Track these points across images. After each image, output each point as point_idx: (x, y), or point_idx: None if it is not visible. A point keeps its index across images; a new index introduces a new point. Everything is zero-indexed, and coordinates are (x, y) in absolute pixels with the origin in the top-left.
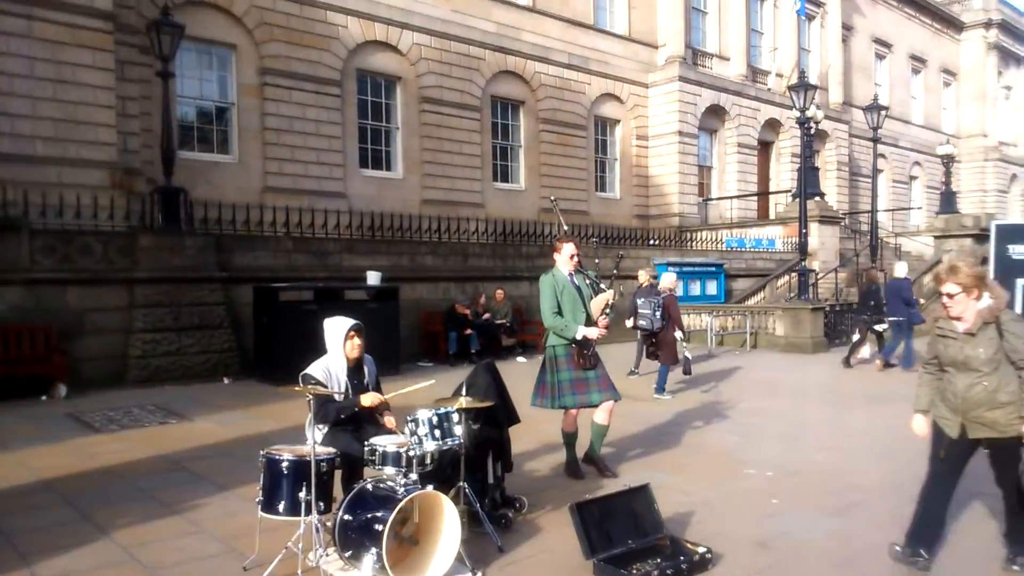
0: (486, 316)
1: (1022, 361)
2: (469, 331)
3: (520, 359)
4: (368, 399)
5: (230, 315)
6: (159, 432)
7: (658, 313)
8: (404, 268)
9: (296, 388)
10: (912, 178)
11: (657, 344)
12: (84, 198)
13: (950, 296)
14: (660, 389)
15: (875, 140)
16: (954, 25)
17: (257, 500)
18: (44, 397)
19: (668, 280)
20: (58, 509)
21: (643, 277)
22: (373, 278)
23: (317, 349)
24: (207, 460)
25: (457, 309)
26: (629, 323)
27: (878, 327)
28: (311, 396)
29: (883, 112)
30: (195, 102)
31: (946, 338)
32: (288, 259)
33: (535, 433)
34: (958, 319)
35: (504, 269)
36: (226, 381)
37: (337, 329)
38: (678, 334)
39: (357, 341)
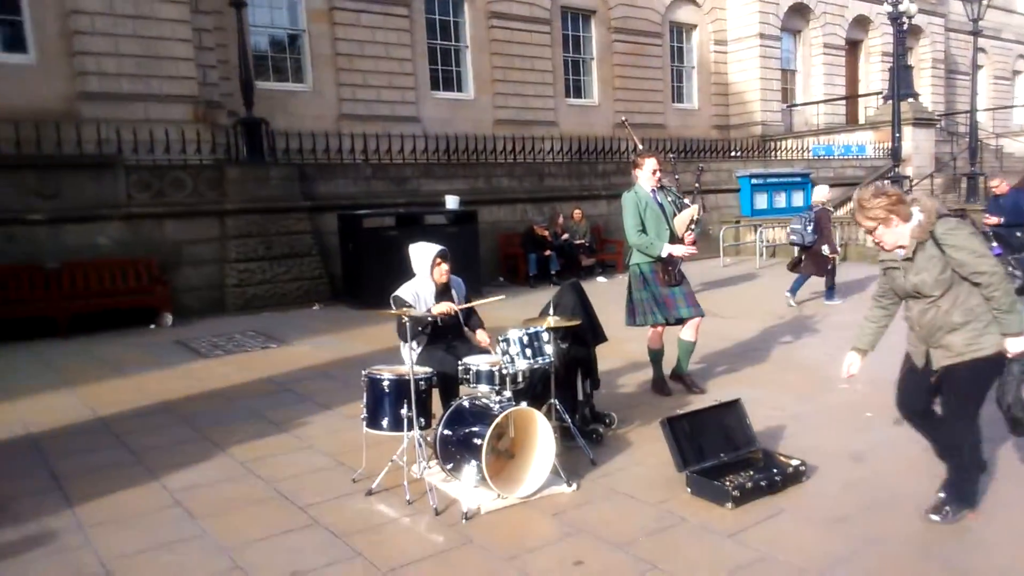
0: (564, 236)
1: (973, 275)
2: (548, 252)
3: (600, 279)
4: (439, 308)
5: (317, 243)
6: (261, 356)
7: (809, 227)
8: (481, 191)
9: (384, 312)
10: (1016, 73)
11: (806, 258)
12: (171, 133)
13: (871, 233)
14: (792, 291)
15: (975, 33)
16: None
17: (362, 417)
18: (152, 326)
19: (820, 193)
20: (178, 428)
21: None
22: (452, 202)
23: (401, 273)
24: (308, 381)
25: (535, 230)
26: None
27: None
28: (407, 318)
29: (985, 2)
30: (267, 31)
31: (893, 269)
32: (368, 186)
33: (621, 351)
34: (896, 248)
35: (580, 188)
36: (316, 307)
37: (424, 255)
38: (825, 249)
39: (444, 267)
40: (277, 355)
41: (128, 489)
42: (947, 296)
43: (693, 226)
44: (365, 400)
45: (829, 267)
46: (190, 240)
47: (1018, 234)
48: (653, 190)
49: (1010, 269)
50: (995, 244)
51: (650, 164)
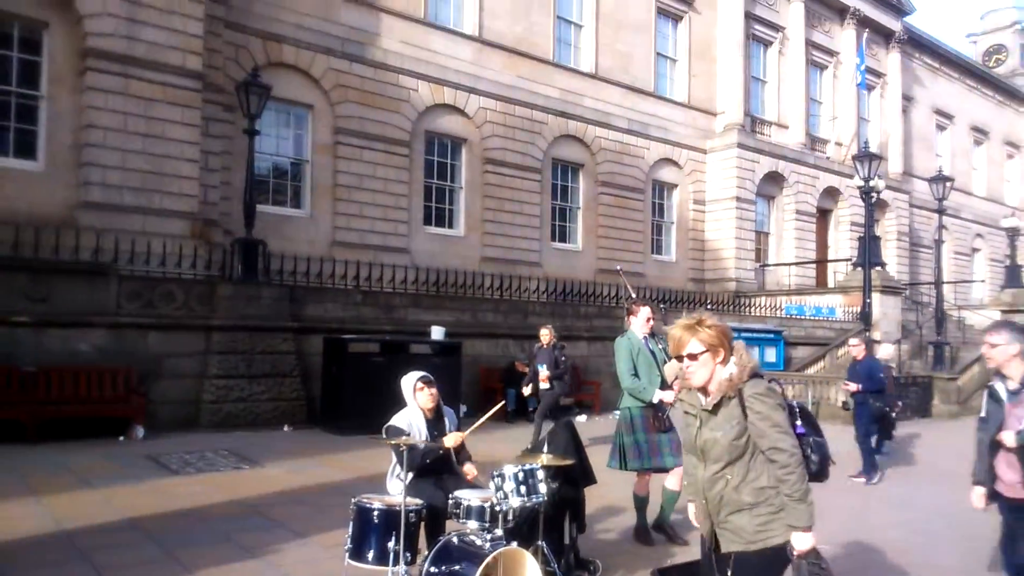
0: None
1: (771, 451)
2: (527, 389)
3: (579, 418)
4: (451, 440)
5: (300, 364)
6: (233, 477)
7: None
8: (466, 324)
9: (386, 441)
10: (974, 250)
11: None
12: (168, 246)
13: (692, 357)
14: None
15: (940, 212)
16: (1017, 97)
17: (345, 548)
18: (122, 438)
19: (885, 352)
20: (145, 547)
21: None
22: (437, 333)
23: (384, 400)
24: (281, 506)
25: (517, 366)
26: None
27: None
28: (403, 447)
29: (948, 184)
30: (272, 158)
31: (688, 415)
32: (356, 311)
33: (603, 495)
34: (703, 390)
35: (562, 328)
36: (286, 429)
37: (408, 382)
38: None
39: (427, 391)
40: (249, 476)
41: None
42: (737, 468)
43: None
44: (351, 529)
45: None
46: (172, 353)
47: (873, 401)
48: (645, 337)
49: (808, 452)
50: (798, 423)
51: (644, 312)
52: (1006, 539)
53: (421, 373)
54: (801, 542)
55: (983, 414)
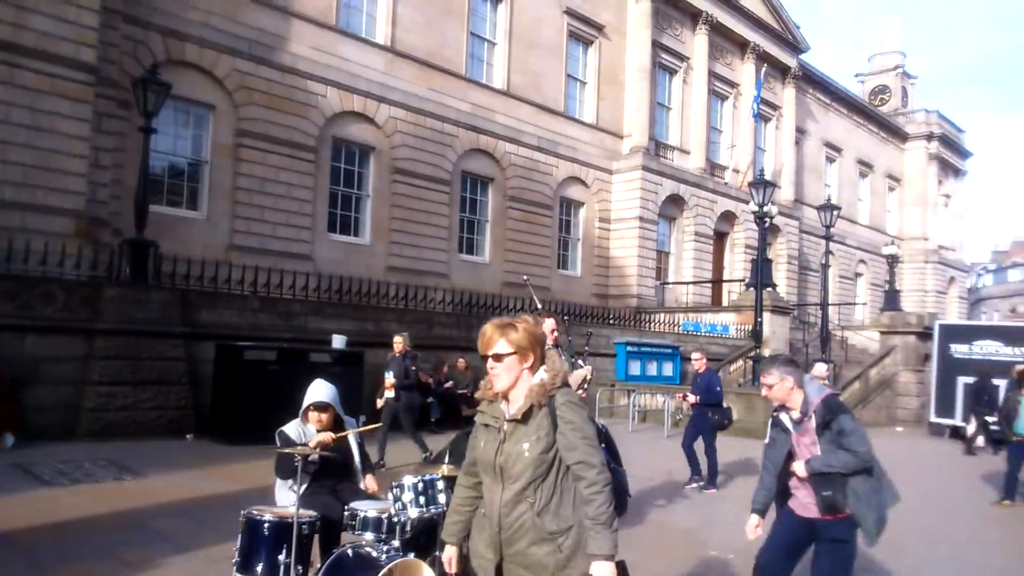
0: (448, 385)
1: (579, 465)
2: (430, 399)
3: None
4: (316, 438)
5: (189, 372)
6: (114, 488)
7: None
8: (369, 333)
9: (277, 449)
10: (857, 275)
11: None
12: (48, 245)
13: (497, 359)
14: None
15: (827, 238)
16: (899, 135)
17: (233, 561)
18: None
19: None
20: (15, 563)
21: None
22: (339, 342)
23: (279, 409)
24: (166, 519)
25: (420, 377)
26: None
27: (989, 419)
28: (299, 457)
29: (836, 212)
30: (167, 157)
31: (487, 427)
32: (253, 318)
33: None
34: (505, 397)
35: (468, 339)
36: (188, 438)
37: (306, 397)
38: None
39: (315, 415)
40: (131, 488)
41: None
42: (543, 489)
43: (585, 385)
44: (239, 542)
45: None
46: (50, 357)
47: (712, 414)
48: (548, 348)
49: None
50: (601, 445)
51: (549, 324)
52: (788, 550)
53: (318, 400)
54: (601, 572)
55: (768, 441)
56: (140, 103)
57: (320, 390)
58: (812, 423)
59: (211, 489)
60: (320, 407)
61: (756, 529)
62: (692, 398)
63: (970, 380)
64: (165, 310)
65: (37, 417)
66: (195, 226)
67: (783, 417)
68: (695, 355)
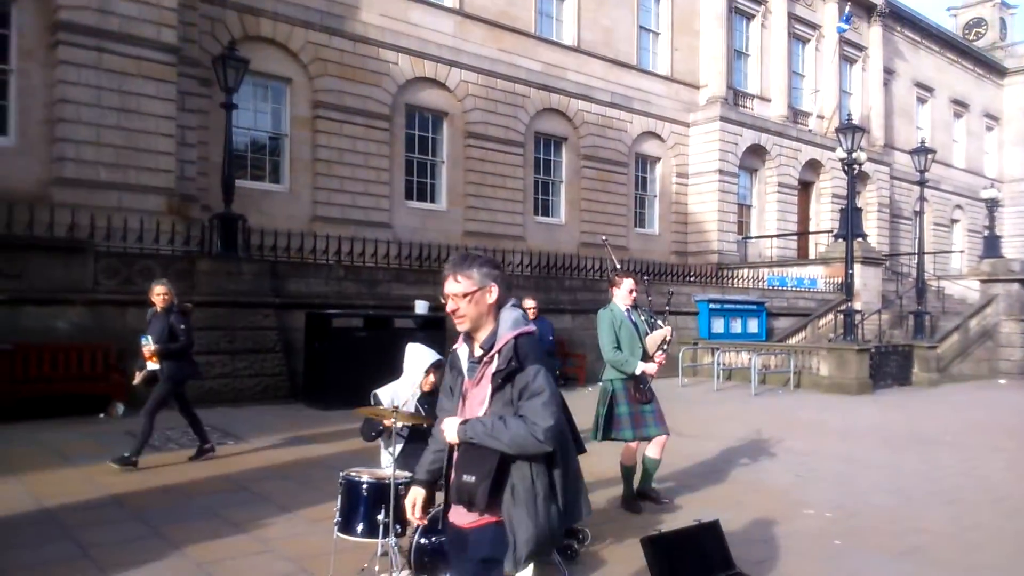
0: None
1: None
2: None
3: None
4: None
5: (282, 340)
6: (217, 452)
7: None
8: None
9: (365, 411)
10: (953, 221)
11: None
12: (145, 223)
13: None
14: None
15: (922, 184)
16: (996, 71)
17: (335, 521)
18: (102, 415)
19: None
20: (129, 524)
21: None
22: (421, 307)
23: (367, 374)
24: (267, 481)
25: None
26: None
27: None
28: (392, 418)
29: (930, 156)
30: (249, 132)
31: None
32: (339, 286)
33: (589, 466)
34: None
35: (547, 301)
36: (277, 404)
37: (420, 360)
38: None
39: (431, 379)
40: (233, 452)
41: None
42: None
43: (664, 346)
44: (339, 503)
45: None
46: None
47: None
48: (627, 309)
49: None
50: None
51: (627, 284)
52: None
53: (436, 357)
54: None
55: (443, 388)
56: (221, 80)
57: (429, 352)
58: (491, 368)
59: (308, 452)
60: (439, 365)
61: (415, 510)
62: None
63: None
64: (256, 281)
65: (144, 386)
66: (279, 199)
67: (461, 352)
68: (528, 303)
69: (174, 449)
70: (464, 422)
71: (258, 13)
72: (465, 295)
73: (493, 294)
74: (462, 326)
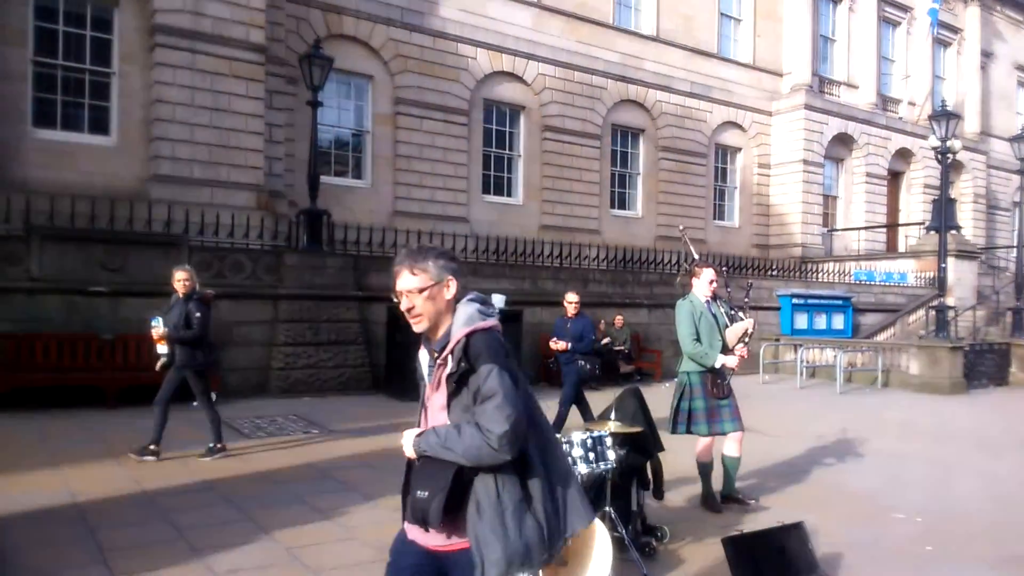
0: (605, 341)
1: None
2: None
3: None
4: None
5: (364, 332)
6: (303, 441)
7: None
8: (526, 292)
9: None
10: None
11: None
12: (235, 218)
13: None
14: None
15: (1021, 172)
16: None
17: None
18: (195, 403)
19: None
20: (221, 508)
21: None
22: (498, 300)
23: None
24: (351, 470)
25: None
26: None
27: None
28: None
29: None
30: (333, 129)
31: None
32: None
33: (668, 463)
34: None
35: (623, 296)
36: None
37: None
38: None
39: None
40: (319, 441)
41: (172, 567)
42: None
43: (746, 339)
44: None
45: None
46: (242, 321)
47: (583, 364)
48: (707, 300)
49: None
50: None
51: (707, 275)
52: None
53: None
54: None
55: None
56: (307, 78)
57: None
58: (445, 372)
59: (390, 442)
60: None
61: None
62: (561, 344)
63: None
64: (339, 275)
65: (233, 376)
66: (361, 194)
67: (422, 357)
68: (570, 296)
69: (262, 438)
70: (420, 434)
71: (341, 11)
72: (421, 291)
73: (451, 289)
74: (419, 325)
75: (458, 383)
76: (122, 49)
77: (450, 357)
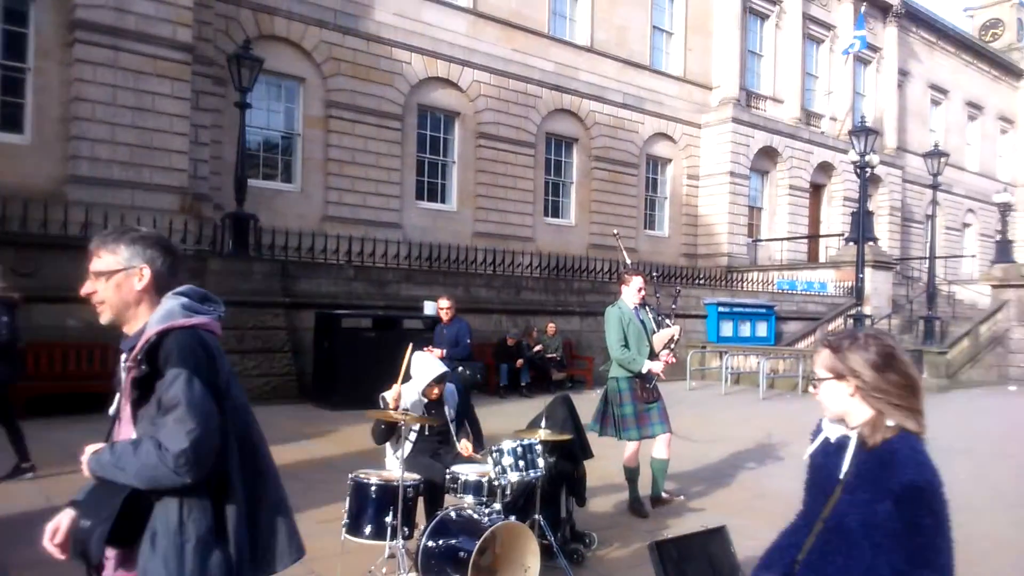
0: (537, 349)
1: None
2: (520, 363)
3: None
4: (464, 448)
5: (291, 340)
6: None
7: None
8: (458, 299)
9: (377, 414)
10: (965, 225)
11: None
12: (157, 221)
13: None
14: None
15: (935, 187)
16: (1013, 72)
17: (343, 523)
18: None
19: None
20: None
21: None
22: (430, 308)
23: (376, 374)
24: None
25: (508, 341)
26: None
27: None
28: (402, 421)
29: (943, 159)
30: (262, 132)
31: None
32: (348, 287)
33: (596, 469)
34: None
35: (556, 303)
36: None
37: (427, 372)
38: None
39: (436, 391)
40: None
41: None
42: None
43: (672, 345)
44: (348, 504)
45: None
46: None
47: (462, 370)
48: (636, 307)
49: None
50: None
51: (636, 282)
52: None
53: (441, 370)
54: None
55: None
56: (235, 79)
57: (436, 364)
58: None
59: (317, 452)
60: (441, 379)
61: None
62: (437, 351)
63: None
64: (267, 281)
65: None
66: (290, 198)
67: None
68: (443, 301)
69: None
70: (96, 451)
71: (273, 12)
72: (104, 275)
73: (143, 279)
74: (103, 316)
75: (142, 389)
76: (39, 44)
77: (136, 359)
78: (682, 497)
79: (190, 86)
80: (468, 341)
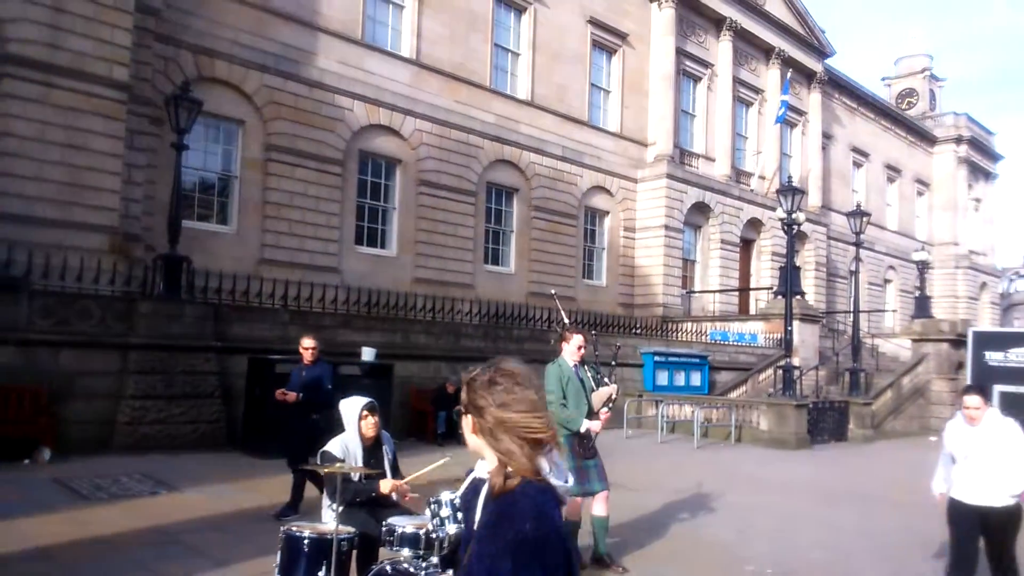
0: None
1: None
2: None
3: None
4: (386, 486)
5: (221, 385)
6: (149, 503)
7: None
8: (397, 345)
9: (322, 468)
10: (887, 281)
11: None
12: (85, 261)
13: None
14: None
15: (858, 244)
16: (927, 139)
17: None
18: (27, 460)
19: None
20: None
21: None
22: (368, 354)
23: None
24: (201, 533)
25: (448, 388)
26: None
27: None
28: (338, 475)
29: (866, 218)
30: (198, 173)
31: None
32: (284, 331)
33: None
34: None
35: (495, 350)
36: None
37: (351, 408)
38: None
39: (371, 420)
40: (166, 502)
41: None
42: None
43: (610, 403)
44: (279, 559)
45: None
46: (87, 371)
47: (316, 418)
48: (575, 364)
49: None
50: None
51: (576, 340)
52: None
53: (366, 400)
54: None
55: None
56: (172, 120)
57: (355, 398)
58: None
59: (246, 503)
60: (372, 408)
61: None
62: (290, 395)
63: (1007, 389)
64: (198, 324)
65: (74, 431)
66: (226, 240)
67: None
68: (306, 341)
69: (103, 500)
70: None
71: (213, 55)
72: None
73: None
74: None
75: None
76: None
77: None
78: (620, 569)
79: (125, 125)
80: (330, 387)
